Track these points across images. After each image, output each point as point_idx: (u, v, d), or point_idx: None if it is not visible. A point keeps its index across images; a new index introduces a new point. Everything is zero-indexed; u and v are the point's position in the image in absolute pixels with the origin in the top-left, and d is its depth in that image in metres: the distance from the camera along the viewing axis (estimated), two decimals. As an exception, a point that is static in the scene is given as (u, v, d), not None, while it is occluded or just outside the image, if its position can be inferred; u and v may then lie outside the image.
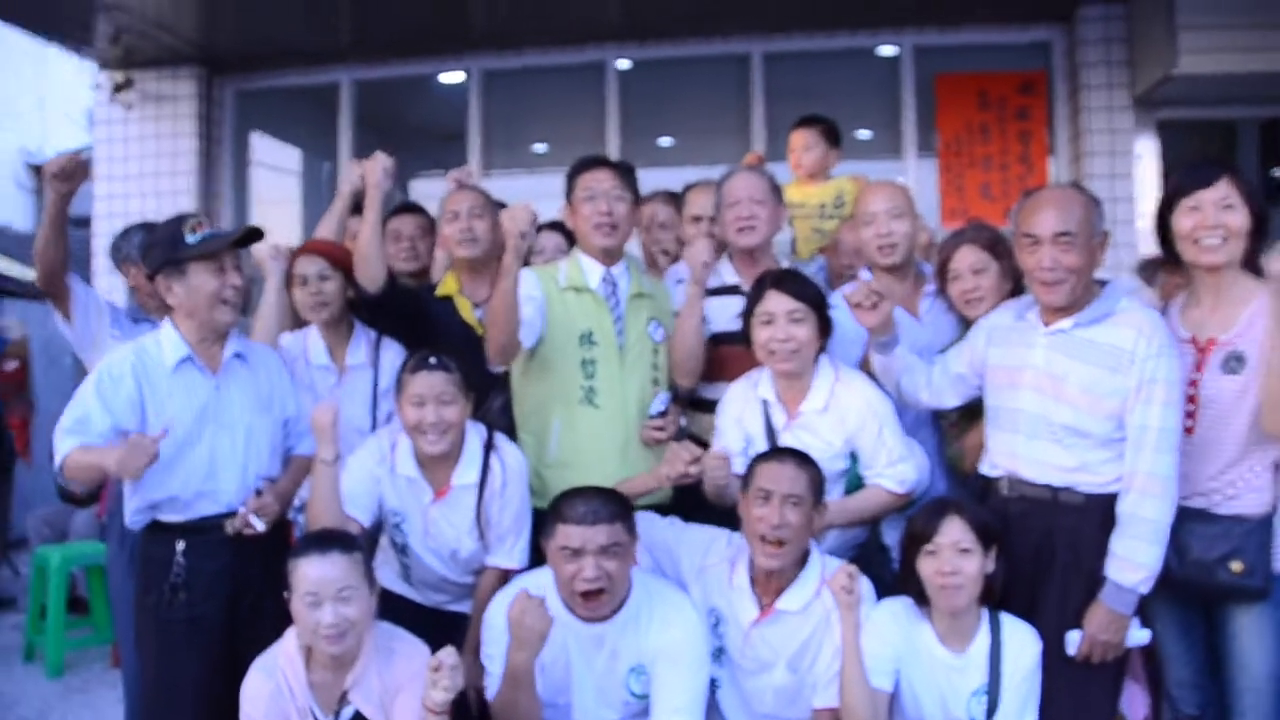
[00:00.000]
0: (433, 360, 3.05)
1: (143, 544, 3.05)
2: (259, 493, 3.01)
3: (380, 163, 3.50)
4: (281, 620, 2.76)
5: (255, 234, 3.13)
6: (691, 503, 3.21)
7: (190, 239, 2.96)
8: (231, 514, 2.97)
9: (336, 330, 3.61)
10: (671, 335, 3.42)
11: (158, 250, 3.03)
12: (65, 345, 3.66)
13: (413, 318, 3.52)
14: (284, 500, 3.12)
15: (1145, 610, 2.76)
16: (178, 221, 3.01)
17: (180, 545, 2.96)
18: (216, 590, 2.98)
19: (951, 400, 3.17)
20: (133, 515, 3.01)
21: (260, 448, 3.09)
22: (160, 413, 2.94)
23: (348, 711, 2.69)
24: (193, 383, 3.00)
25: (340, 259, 3.56)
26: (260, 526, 2.96)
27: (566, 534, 2.74)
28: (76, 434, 2.87)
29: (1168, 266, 3.50)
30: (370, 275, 3.42)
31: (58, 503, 6.13)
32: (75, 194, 3.20)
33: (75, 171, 3.13)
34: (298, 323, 3.74)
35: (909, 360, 3.20)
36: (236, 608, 3.01)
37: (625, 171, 3.37)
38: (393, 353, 3.61)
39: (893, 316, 3.12)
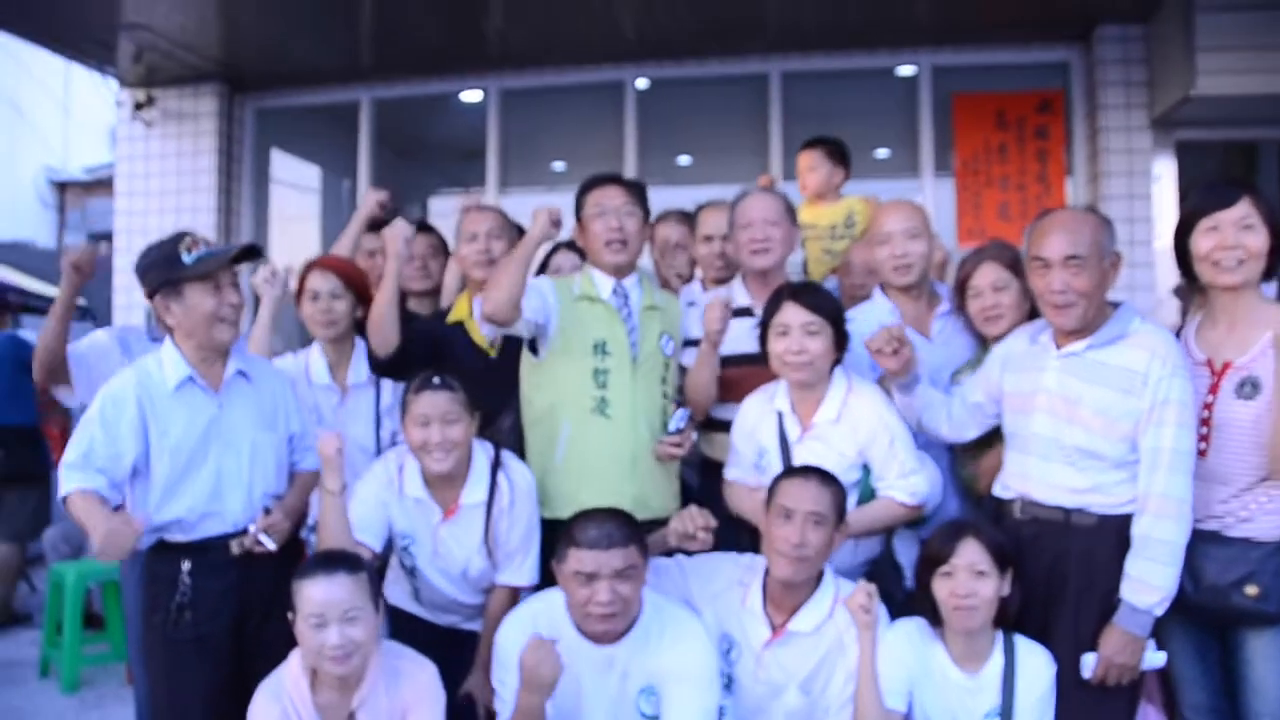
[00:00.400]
0: (436, 380, 3.04)
1: (148, 563, 3.03)
2: (268, 511, 3.02)
3: (401, 233, 3.42)
4: (290, 638, 2.75)
5: (252, 251, 3.11)
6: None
7: (186, 258, 2.94)
8: (238, 534, 2.98)
9: (340, 349, 3.61)
10: (686, 375, 3.44)
11: (155, 271, 3.00)
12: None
13: (428, 359, 3.39)
14: (293, 517, 3.12)
15: (1160, 633, 2.74)
16: (174, 241, 2.98)
17: (186, 565, 2.96)
18: (222, 609, 2.97)
19: (973, 432, 3.16)
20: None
21: (266, 465, 3.08)
22: (164, 435, 2.93)
23: (356, 733, 2.67)
24: (196, 403, 2.99)
25: (354, 279, 3.56)
26: (271, 546, 2.96)
27: (580, 559, 2.71)
28: (80, 469, 2.83)
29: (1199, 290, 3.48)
30: (382, 342, 3.35)
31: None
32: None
33: (92, 263, 3.28)
34: (304, 341, 3.74)
35: (930, 397, 3.19)
36: (243, 627, 3.01)
37: (635, 188, 3.37)
38: None
39: (914, 357, 3.12)
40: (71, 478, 2.82)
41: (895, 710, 2.77)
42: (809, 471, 2.92)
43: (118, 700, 4.92)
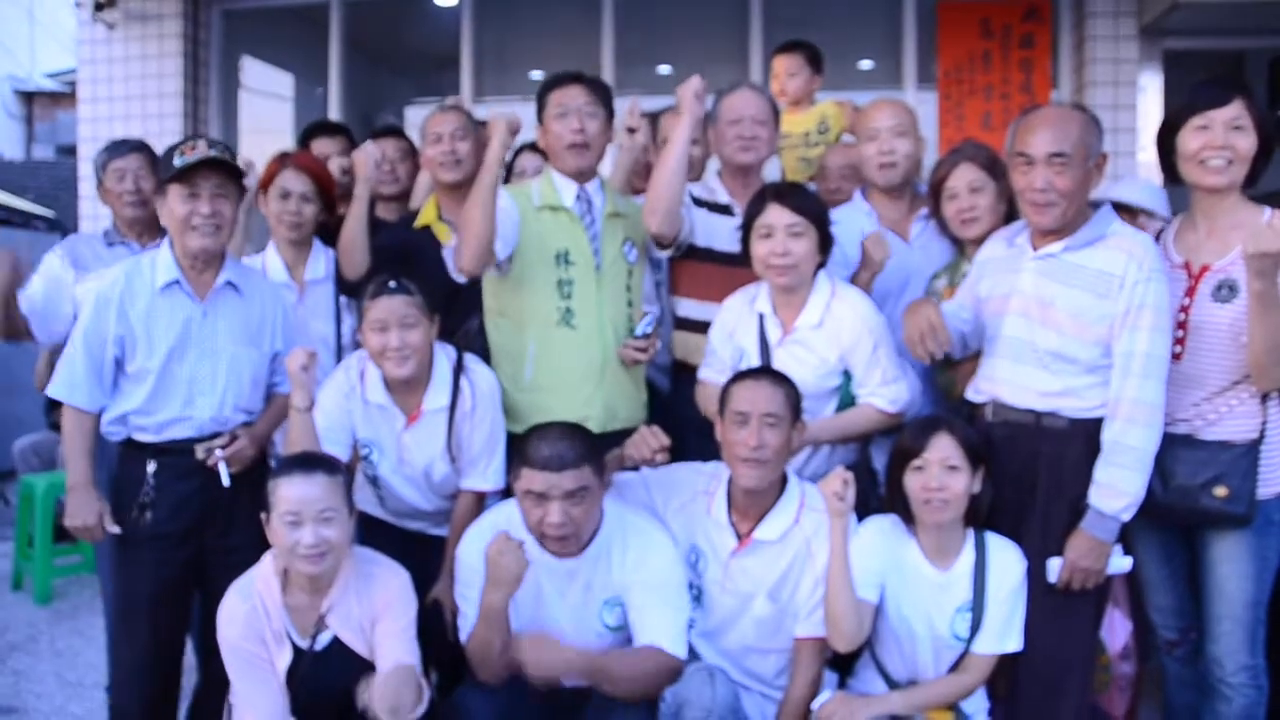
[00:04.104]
0: (392, 284, 2.99)
1: (118, 463, 3.04)
2: (235, 436, 3.00)
3: (369, 155, 3.48)
4: (251, 543, 2.76)
5: (222, 164, 2.98)
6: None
7: (176, 160, 2.93)
8: (205, 438, 2.98)
9: (299, 250, 3.54)
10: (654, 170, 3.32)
11: (160, 170, 3.04)
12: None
13: (399, 266, 3.34)
14: (260, 443, 3.10)
15: (1127, 536, 2.73)
16: (179, 143, 2.99)
17: (152, 466, 2.97)
18: (183, 511, 2.98)
19: (975, 345, 3.03)
20: (107, 425, 3.01)
21: (241, 379, 3.05)
22: (144, 334, 2.94)
23: (325, 635, 2.68)
24: (178, 306, 2.98)
25: (325, 183, 3.50)
26: (225, 480, 2.97)
27: (531, 478, 2.67)
28: (67, 383, 2.94)
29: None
30: (352, 265, 3.44)
31: (45, 431, 6.12)
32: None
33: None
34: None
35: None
36: (203, 532, 3.01)
37: (599, 87, 3.26)
38: None
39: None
40: (59, 387, 2.95)
41: (866, 600, 2.75)
42: (760, 373, 2.89)
43: (90, 611, 4.93)
